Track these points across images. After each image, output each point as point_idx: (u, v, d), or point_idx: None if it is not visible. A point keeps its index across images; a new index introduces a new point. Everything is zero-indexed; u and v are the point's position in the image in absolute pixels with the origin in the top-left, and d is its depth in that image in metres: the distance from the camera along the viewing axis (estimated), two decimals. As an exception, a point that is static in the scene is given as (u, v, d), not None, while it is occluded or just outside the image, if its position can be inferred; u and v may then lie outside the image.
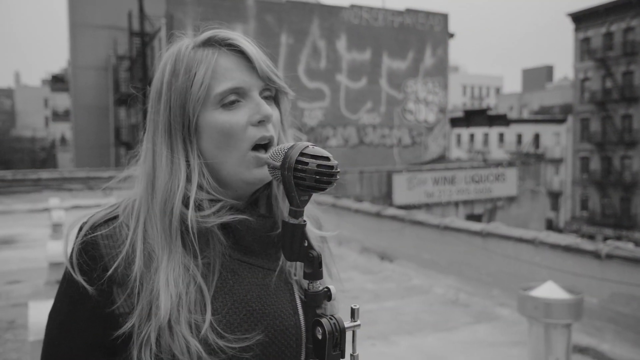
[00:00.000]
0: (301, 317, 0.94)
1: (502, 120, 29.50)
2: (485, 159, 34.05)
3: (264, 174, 0.91)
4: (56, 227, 8.57)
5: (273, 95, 0.98)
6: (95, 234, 0.89)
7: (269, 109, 0.92)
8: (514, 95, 53.04)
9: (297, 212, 0.83)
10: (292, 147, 0.83)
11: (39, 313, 3.62)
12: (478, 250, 6.52)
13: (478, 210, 19.68)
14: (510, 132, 42.70)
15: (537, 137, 41.74)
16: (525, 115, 47.53)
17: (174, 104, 0.91)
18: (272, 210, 0.98)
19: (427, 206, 18.35)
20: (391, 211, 8.65)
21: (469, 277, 6.57)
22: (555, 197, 39.75)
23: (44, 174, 17.02)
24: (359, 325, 0.84)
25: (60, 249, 6.63)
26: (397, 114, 23.88)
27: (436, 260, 7.22)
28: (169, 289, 0.85)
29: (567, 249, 5.36)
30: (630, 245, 5.11)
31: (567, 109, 41.34)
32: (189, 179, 0.90)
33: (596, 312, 4.96)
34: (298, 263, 0.97)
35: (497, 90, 65.50)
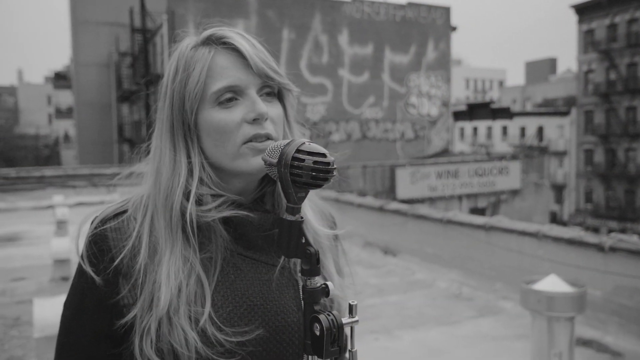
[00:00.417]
0: None
1: (505, 113, 29.36)
2: (488, 152, 33.98)
3: (262, 162, 0.91)
4: (60, 224, 8.59)
5: (275, 92, 0.98)
6: (104, 226, 0.93)
7: (264, 107, 0.92)
8: (517, 88, 52.82)
9: (293, 209, 0.83)
10: (288, 143, 0.83)
11: (44, 310, 3.64)
12: (481, 244, 6.52)
13: (481, 203, 19.65)
14: (513, 125, 42.54)
15: (540, 130, 41.59)
16: (529, 108, 47.35)
17: (175, 103, 0.93)
18: (280, 206, 0.99)
19: (431, 200, 18.32)
20: (394, 205, 8.65)
21: (472, 270, 6.57)
22: (559, 190, 39.64)
23: (48, 171, 17.08)
24: (357, 321, 0.84)
25: (64, 246, 6.66)
26: (399, 108, 23.82)
27: (439, 254, 7.21)
28: (170, 281, 0.88)
29: (571, 242, 5.35)
30: (634, 238, 5.09)
31: (570, 102, 41.15)
32: (191, 175, 0.93)
33: (600, 304, 4.95)
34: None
35: (500, 83, 65.25)
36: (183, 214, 0.91)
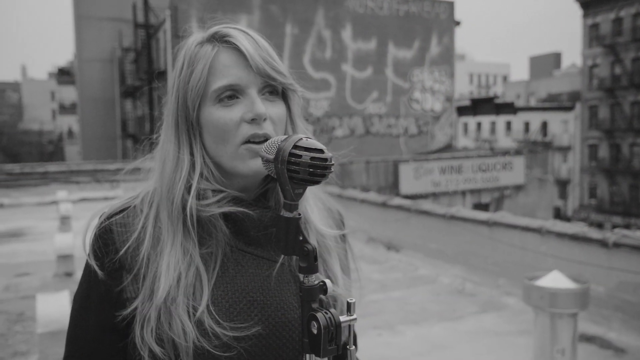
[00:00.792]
0: None
1: (509, 108, 29.22)
2: (492, 147, 33.88)
3: (259, 165, 0.91)
4: (64, 220, 8.63)
5: (279, 91, 0.98)
6: (110, 220, 0.96)
7: (262, 108, 0.92)
8: (521, 83, 52.60)
9: (291, 206, 0.83)
10: (285, 139, 0.82)
11: (47, 305, 3.65)
12: (484, 240, 6.50)
13: (485, 199, 19.59)
14: (517, 120, 42.37)
15: (544, 125, 41.42)
16: (533, 103, 47.15)
17: (179, 98, 0.95)
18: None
19: (434, 195, 18.28)
20: (397, 201, 8.64)
21: (475, 266, 6.56)
22: (563, 185, 39.52)
23: (52, 167, 17.10)
24: (355, 319, 0.83)
25: (67, 242, 6.68)
26: (403, 103, 23.75)
27: (442, 250, 7.20)
28: (170, 271, 0.90)
29: (574, 237, 5.33)
30: (638, 233, 5.07)
31: (575, 96, 40.94)
32: (193, 169, 0.94)
33: (603, 300, 4.93)
34: None
35: (504, 78, 64.98)
36: (184, 207, 0.92)
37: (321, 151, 0.80)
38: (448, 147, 24.41)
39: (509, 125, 44.37)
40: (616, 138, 36.13)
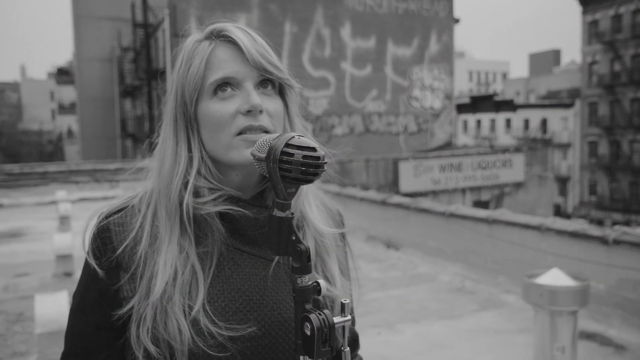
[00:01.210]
0: None
1: (509, 105, 29.24)
2: (492, 145, 33.86)
3: None
4: (63, 220, 8.61)
5: (276, 87, 0.98)
6: (108, 220, 0.96)
7: (257, 99, 0.92)
8: (520, 80, 52.57)
9: (284, 205, 0.81)
10: (277, 137, 0.81)
11: (45, 306, 3.64)
12: (484, 238, 6.49)
13: (485, 196, 19.59)
14: (517, 117, 42.36)
15: (544, 122, 41.39)
16: (533, 100, 47.12)
17: (177, 95, 0.96)
18: None
19: (434, 193, 18.28)
20: (397, 199, 8.62)
21: (475, 264, 6.55)
22: (563, 182, 39.50)
23: (51, 167, 17.08)
24: (349, 320, 0.82)
25: (66, 242, 6.67)
26: (402, 101, 23.73)
27: (442, 248, 7.20)
28: (166, 268, 0.90)
29: (574, 235, 5.32)
30: (638, 230, 5.05)
31: (574, 93, 40.92)
32: (191, 166, 0.94)
33: (603, 298, 4.92)
34: None
35: (504, 76, 64.95)
36: (180, 203, 0.93)
37: (314, 149, 0.79)
38: (448, 145, 24.39)
39: (508, 122, 44.33)
40: (616, 135, 36.11)
